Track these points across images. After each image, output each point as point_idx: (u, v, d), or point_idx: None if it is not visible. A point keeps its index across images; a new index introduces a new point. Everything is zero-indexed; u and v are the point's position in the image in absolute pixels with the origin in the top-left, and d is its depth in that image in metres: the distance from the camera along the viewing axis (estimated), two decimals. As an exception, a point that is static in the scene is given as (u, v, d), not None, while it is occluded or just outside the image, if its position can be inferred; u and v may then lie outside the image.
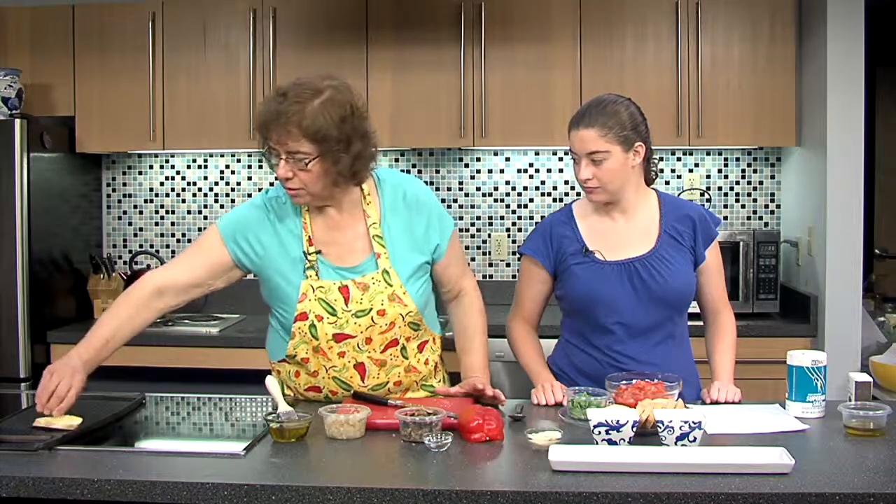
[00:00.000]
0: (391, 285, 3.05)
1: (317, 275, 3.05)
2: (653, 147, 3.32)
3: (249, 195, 5.75)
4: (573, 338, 3.35)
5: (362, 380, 3.10)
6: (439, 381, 3.27)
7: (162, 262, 5.56)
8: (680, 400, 2.88)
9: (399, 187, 3.17)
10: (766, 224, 5.54)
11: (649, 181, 3.36)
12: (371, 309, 3.03)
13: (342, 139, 2.88)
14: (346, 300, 3.03)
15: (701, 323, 3.43)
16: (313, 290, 3.04)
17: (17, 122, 4.90)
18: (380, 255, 3.07)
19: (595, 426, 2.60)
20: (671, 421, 2.59)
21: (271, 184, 5.70)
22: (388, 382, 3.14)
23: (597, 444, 2.60)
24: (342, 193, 3.04)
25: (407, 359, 3.15)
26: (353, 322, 3.03)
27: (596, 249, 3.25)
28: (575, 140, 3.17)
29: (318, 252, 3.06)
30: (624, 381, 2.97)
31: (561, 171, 5.61)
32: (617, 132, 3.13)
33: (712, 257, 3.32)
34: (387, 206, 3.13)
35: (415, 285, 3.10)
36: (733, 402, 3.14)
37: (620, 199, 3.25)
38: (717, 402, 3.14)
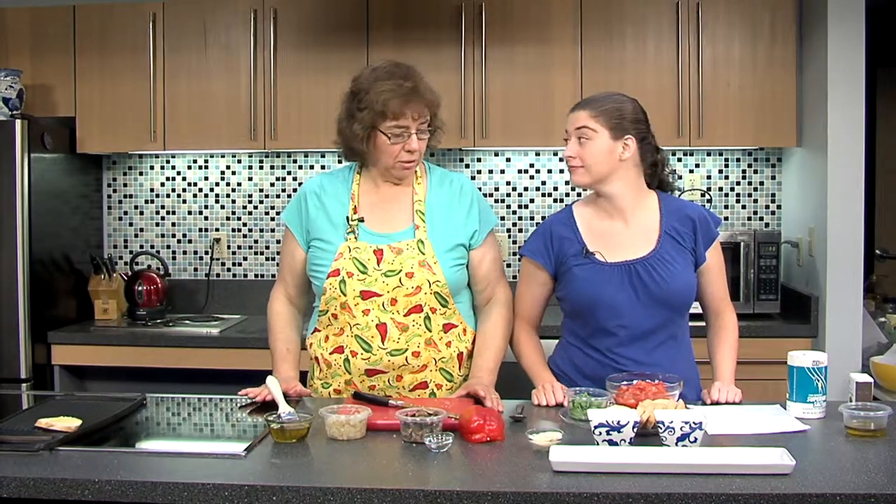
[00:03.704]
0: (424, 254, 3.21)
1: (356, 238, 3.23)
2: (659, 151, 3.33)
3: (250, 196, 5.76)
4: (574, 339, 3.35)
5: (382, 341, 3.20)
6: (463, 375, 3.32)
7: (162, 263, 5.59)
8: (681, 401, 2.88)
9: (447, 175, 3.43)
10: (766, 225, 5.54)
11: (666, 188, 3.37)
12: (401, 270, 3.19)
13: (437, 113, 3.32)
14: (379, 261, 3.20)
15: (702, 323, 3.42)
16: (350, 251, 3.22)
17: (18, 122, 4.91)
18: (419, 226, 3.25)
19: (596, 427, 2.60)
20: (672, 421, 2.59)
21: (271, 184, 5.72)
22: (406, 350, 3.21)
23: (598, 444, 2.60)
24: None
25: (430, 331, 3.24)
26: (382, 280, 3.18)
27: (596, 251, 3.25)
28: (568, 120, 3.27)
29: (361, 220, 3.26)
30: (625, 382, 2.97)
31: (561, 171, 5.60)
32: (608, 117, 3.19)
33: (713, 258, 3.31)
34: (433, 186, 3.36)
35: (447, 261, 3.23)
36: (734, 403, 3.14)
37: (611, 193, 3.25)
38: (717, 403, 3.13)
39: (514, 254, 5.63)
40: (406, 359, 3.21)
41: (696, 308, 3.37)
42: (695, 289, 3.28)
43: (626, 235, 3.27)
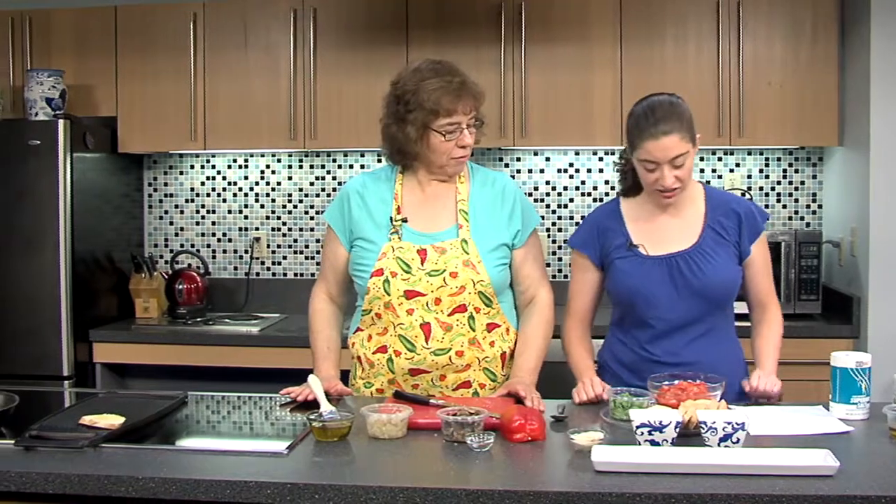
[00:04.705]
0: (468, 253, 3.20)
1: (399, 238, 3.23)
2: None
3: (289, 195, 5.78)
4: (617, 331, 3.37)
5: (426, 341, 3.20)
6: (506, 374, 3.31)
7: (203, 261, 5.62)
8: (723, 401, 2.86)
9: (490, 174, 3.41)
10: (807, 224, 5.50)
11: None
12: (445, 270, 3.18)
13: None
14: (423, 261, 3.20)
15: (749, 324, 3.39)
16: (393, 251, 3.22)
17: (61, 122, 4.95)
18: (462, 226, 3.24)
19: (638, 427, 2.59)
20: (714, 422, 2.58)
21: (311, 184, 5.73)
22: (450, 349, 3.21)
23: (639, 444, 2.59)
24: None
25: (473, 331, 3.23)
26: (426, 280, 3.18)
27: (640, 244, 3.25)
28: (655, 149, 3.09)
29: (404, 220, 3.25)
30: (666, 382, 2.96)
31: (601, 170, 5.59)
32: (689, 131, 3.11)
33: (758, 252, 3.29)
34: (476, 186, 3.34)
35: (491, 261, 3.23)
36: (771, 401, 3.11)
37: None
38: (756, 392, 3.11)
39: (554, 253, 5.62)
40: (450, 358, 3.21)
41: (741, 308, 3.35)
42: (736, 283, 3.26)
43: (670, 228, 3.27)
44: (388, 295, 3.20)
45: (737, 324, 3.38)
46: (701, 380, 2.95)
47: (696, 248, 3.23)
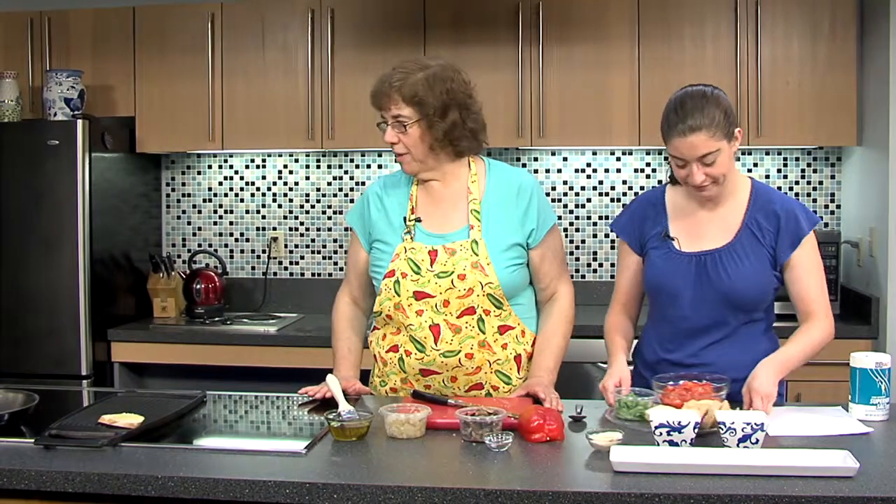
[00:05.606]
0: (477, 255, 3.18)
1: (412, 239, 3.22)
2: None
3: (307, 195, 5.79)
4: (649, 324, 3.34)
5: (436, 342, 3.18)
6: (523, 377, 3.27)
7: (220, 261, 5.63)
8: (726, 402, 2.83)
9: (506, 172, 3.36)
10: (826, 224, 5.48)
11: None
12: (453, 272, 3.16)
13: (439, 107, 3.16)
14: (433, 262, 3.19)
15: (787, 324, 3.31)
16: (406, 252, 3.21)
17: (79, 122, 4.97)
18: (473, 226, 3.21)
19: (657, 427, 2.58)
20: (733, 423, 2.57)
21: (329, 183, 5.74)
22: (459, 352, 3.18)
23: (658, 444, 2.58)
24: (448, 165, 3.29)
25: (483, 333, 3.20)
26: (435, 282, 3.17)
27: (675, 237, 3.19)
28: (682, 147, 3.01)
29: (418, 220, 3.26)
30: (671, 382, 2.94)
31: (619, 170, 5.58)
32: (721, 128, 3.00)
33: (801, 257, 3.13)
34: (491, 186, 3.30)
35: (501, 261, 3.19)
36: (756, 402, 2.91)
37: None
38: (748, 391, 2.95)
39: (571, 253, 5.61)
40: (459, 360, 3.18)
41: (781, 309, 3.31)
42: (766, 290, 3.16)
43: (706, 224, 3.19)
44: (398, 296, 3.19)
45: (778, 324, 3.27)
46: (706, 380, 2.92)
47: (727, 248, 3.14)
